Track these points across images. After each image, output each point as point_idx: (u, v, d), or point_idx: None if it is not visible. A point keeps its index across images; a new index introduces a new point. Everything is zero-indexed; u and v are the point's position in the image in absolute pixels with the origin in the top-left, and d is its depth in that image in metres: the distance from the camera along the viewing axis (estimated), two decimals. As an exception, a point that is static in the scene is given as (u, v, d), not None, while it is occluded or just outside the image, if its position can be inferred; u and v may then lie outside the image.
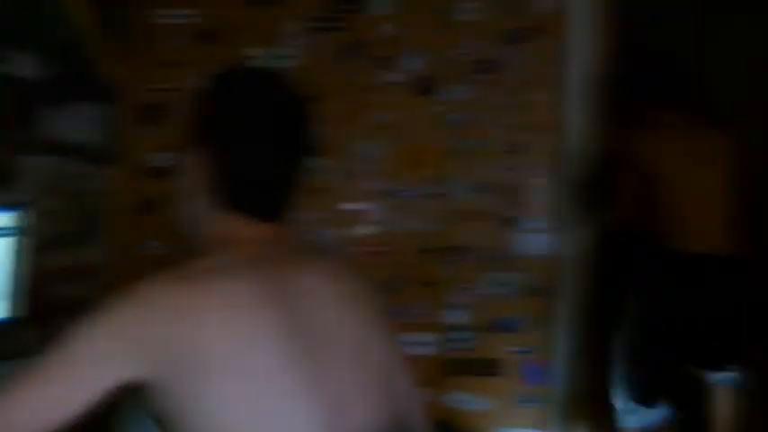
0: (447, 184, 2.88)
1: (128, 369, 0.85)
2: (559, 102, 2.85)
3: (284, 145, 1.01)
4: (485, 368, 2.85)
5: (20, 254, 1.81)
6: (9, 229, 1.78)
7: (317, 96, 2.79)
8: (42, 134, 2.36)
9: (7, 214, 1.79)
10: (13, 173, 2.21)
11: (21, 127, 2.26)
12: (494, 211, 2.87)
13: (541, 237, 2.86)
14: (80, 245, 2.62)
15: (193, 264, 0.94)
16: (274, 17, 2.92)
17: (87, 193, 2.67)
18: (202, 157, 1.00)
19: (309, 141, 1.05)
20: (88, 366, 0.84)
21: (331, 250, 2.88)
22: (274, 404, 0.85)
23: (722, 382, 2.59)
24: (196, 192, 1.02)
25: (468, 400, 2.84)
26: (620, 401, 2.64)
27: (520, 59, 2.87)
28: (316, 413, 0.87)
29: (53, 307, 2.05)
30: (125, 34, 2.84)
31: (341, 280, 1.03)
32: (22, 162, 2.24)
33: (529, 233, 2.87)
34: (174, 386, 0.84)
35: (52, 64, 2.37)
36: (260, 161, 0.99)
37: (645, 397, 2.57)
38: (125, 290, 0.89)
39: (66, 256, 2.51)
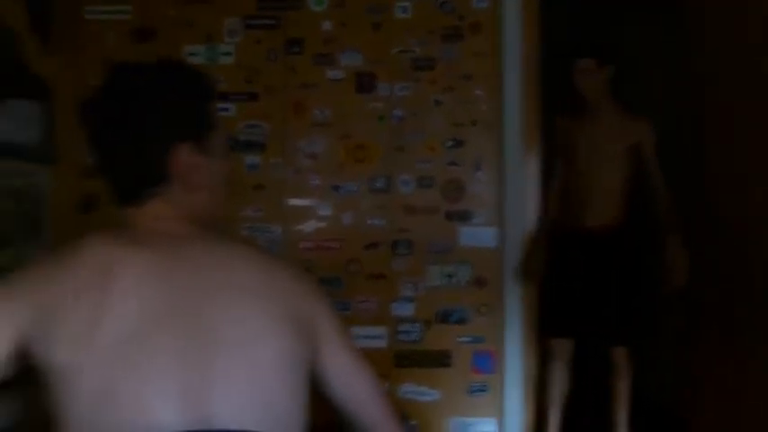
0: (391, 179, 2.91)
1: (17, 321, 0.87)
2: (497, 96, 2.93)
3: (109, 134, 1.00)
4: (435, 359, 2.87)
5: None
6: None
7: (256, 93, 2.90)
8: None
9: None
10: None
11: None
12: (438, 204, 2.91)
13: (486, 229, 2.92)
14: (23, 244, 2.51)
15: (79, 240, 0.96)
16: (211, 14, 2.91)
17: (28, 192, 2.58)
18: None
19: (146, 129, 0.99)
20: None
21: (279, 246, 2.86)
22: (123, 375, 0.84)
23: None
24: None
25: (418, 391, 2.85)
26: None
27: (458, 56, 2.94)
28: (168, 392, 0.84)
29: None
30: (57, 32, 2.76)
31: (249, 266, 0.97)
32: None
33: (473, 226, 2.92)
34: (38, 342, 0.87)
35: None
36: (101, 150, 1.01)
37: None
38: None
39: (9, 255, 2.41)
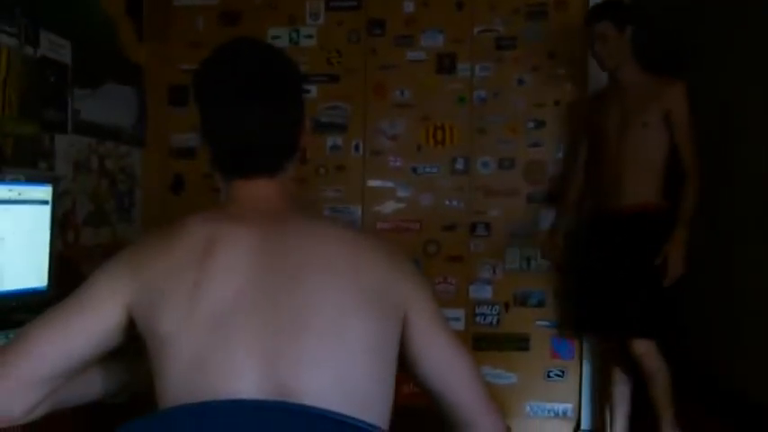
0: (470, 160, 2.89)
1: (121, 297, 0.92)
2: (582, 75, 2.84)
3: (252, 103, 0.99)
4: (513, 342, 2.86)
5: (53, 225, 1.85)
6: (43, 201, 1.82)
7: (338, 74, 2.93)
8: (75, 114, 2.41)
9: (40, 188, 1.82)
10: (48, 150, 2.26)
11: (55, 107, 2.31)
12: (518, 186, 2.87)
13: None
14: (118, 222, 2.67)
15: (178, 220, 0.99)
16: (295, -3, 2.96)
17: (122, 172, 2.73)
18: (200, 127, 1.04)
19: (287, 100, 1.02)
20: (91, 302, 0.93)
21: (357, 226, 2.90)
22: (214, 350, 0.87)
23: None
24: (210, 167, 1.07)
25: (495, 374, 2.84)
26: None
27: (542, 35, 2.87)
28: (251, 367, 0.86)
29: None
30: (149, 19, 2.88)
31: (343, 247, 0.97)
32: (56, 140, 2.30)
33: (554, 208, 2.86)
34: (143, 315, 0.91)
35: (84, 47, 2.42)
36: (227, 121, 1.00)
37: None
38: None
39: (104, 232, 2.57)
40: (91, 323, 0.92)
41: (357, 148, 2.94)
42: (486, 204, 2.88)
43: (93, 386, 1.04)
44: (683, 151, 2.42)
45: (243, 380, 0.86)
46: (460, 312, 2.88)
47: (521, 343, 2.86)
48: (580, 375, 2.84)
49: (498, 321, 2.87)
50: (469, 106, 2.89)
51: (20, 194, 1.74)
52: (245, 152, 1.01)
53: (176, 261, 0.92)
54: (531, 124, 2.87)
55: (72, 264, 2.14)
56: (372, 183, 2.93)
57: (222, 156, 1.03)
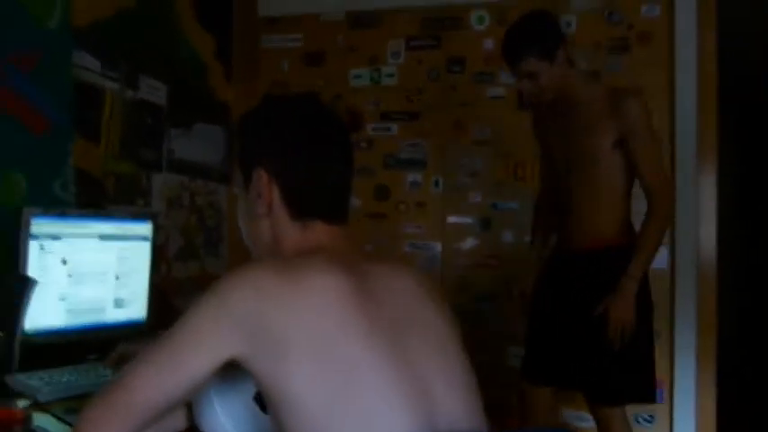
0: (551, 196, 2.85)
1: (230, 347, 0.90)
2: (669, 110, 2.78)
3: (338, 152, 1.10)
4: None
5: (153, 260, 1.93)
6: (143, 237, 1.90)
7: (418, 112, 2.96)
8: (169, 153, 2.52)
9: (141, 224, 1.91)
10: (146, 188, 2.37)
11: (151, 147, 2.42)
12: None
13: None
14: (206, 256, 2.76)
15: (289, 260, 1.01)
16: (376, 37, 3.02)
17: (210, 208, 2.82)
18: (265, 176, 1.06)
19: (352, 149, 1.13)
20: (195, 349, 0.91)
21: (438, 263, 2.90)
22: (361, 395, 0.87)
23: None
24: (265, 209, 1.07)
25: (580, 416, 2.75)
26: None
27: (625, 69, 2.82)
28: (405, 406, 0.87)
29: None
30: (237, 61, 3.00)
31: (417, 279, 1.06)
32: (152, 178, 2.42)
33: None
34: (265, 366, 0.89)
35: (178, 90, 2.55)
36: (325, 168, 1.07)
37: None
38: (229, 274, 0.95)
39: (193, 266, 2.66)
40: (197, 370, 0.91)
41: (437, 184, 2.95)
42: (569, 241, 2.83)
43: (178, 419, 1.08)
44: (643, 179, 2.07)
45: (398, 424, 0.87)
46: (542, 351, 2.81)
47: (606, 385, 2.76)
48: (671, 421, 2.71)
49: (582, 362, 2.79)
50: (551, 142, 2.87)
51: (123, 230, 1.82)
52: (340, 198, 1.10)
53: (303, 313, 0.91)
54: (615, 160, 2.81)
55: (165, 296, 2.22)
56: (452, 219, 2.94)
57: (314, 201, 1.07)
